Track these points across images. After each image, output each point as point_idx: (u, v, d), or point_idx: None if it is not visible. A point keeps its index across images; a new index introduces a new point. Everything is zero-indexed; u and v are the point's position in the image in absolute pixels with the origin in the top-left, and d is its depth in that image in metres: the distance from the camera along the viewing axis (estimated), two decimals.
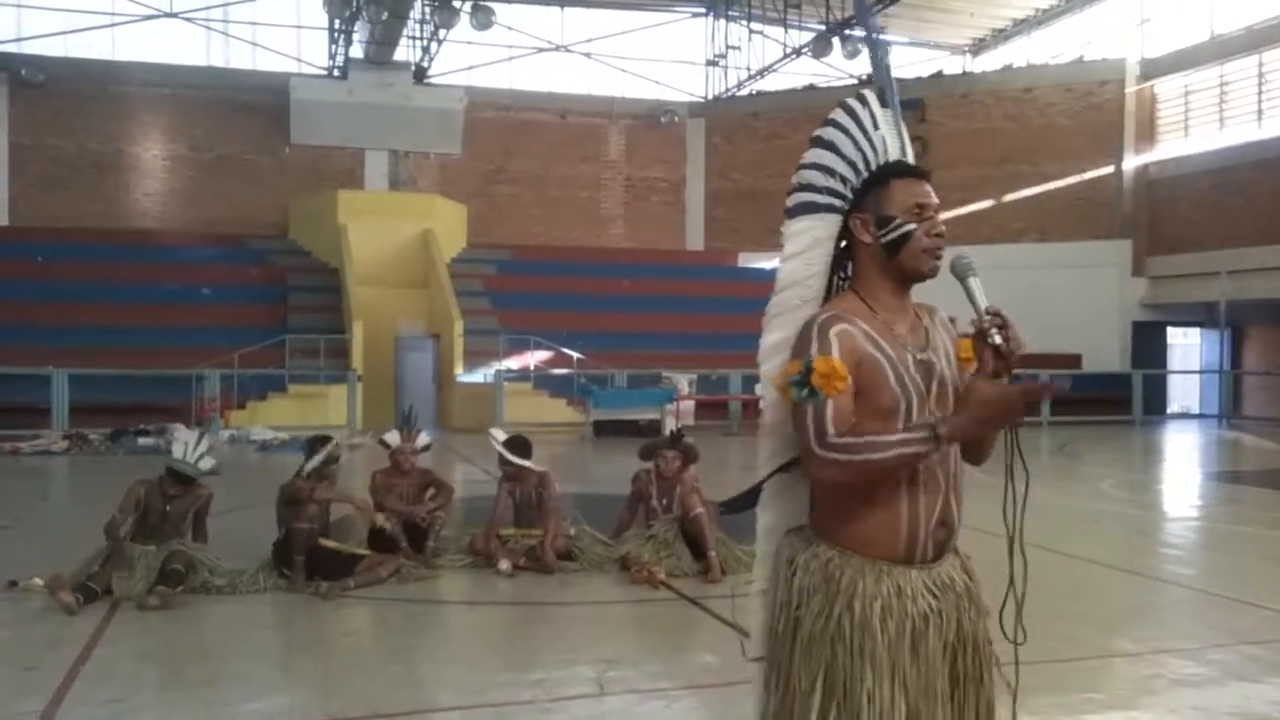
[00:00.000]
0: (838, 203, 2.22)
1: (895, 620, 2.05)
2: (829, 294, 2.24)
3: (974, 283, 2.11)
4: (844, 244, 2.23)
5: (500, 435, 7.20)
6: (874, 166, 2.20)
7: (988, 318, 2.04)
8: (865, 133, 2.23)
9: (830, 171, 2.23)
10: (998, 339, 2.02)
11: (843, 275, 2.24)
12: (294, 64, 25.81)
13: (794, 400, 2.01)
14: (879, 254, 2.15)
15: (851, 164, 2.22)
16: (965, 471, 2.20)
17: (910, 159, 2.24)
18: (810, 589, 2.10)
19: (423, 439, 7.27)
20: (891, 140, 2.23)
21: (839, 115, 2.27)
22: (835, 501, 2.11)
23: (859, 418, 2.05)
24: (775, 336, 2.22)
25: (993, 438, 2.17)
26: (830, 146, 2.25)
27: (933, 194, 2.16)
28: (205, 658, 5.00)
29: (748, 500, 2.36)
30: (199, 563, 6.03)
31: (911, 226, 2.11)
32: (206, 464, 6.27)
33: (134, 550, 5.91)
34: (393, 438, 7.15)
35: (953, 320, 2.26)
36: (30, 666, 4.70)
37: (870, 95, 2.28)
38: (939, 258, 2.14)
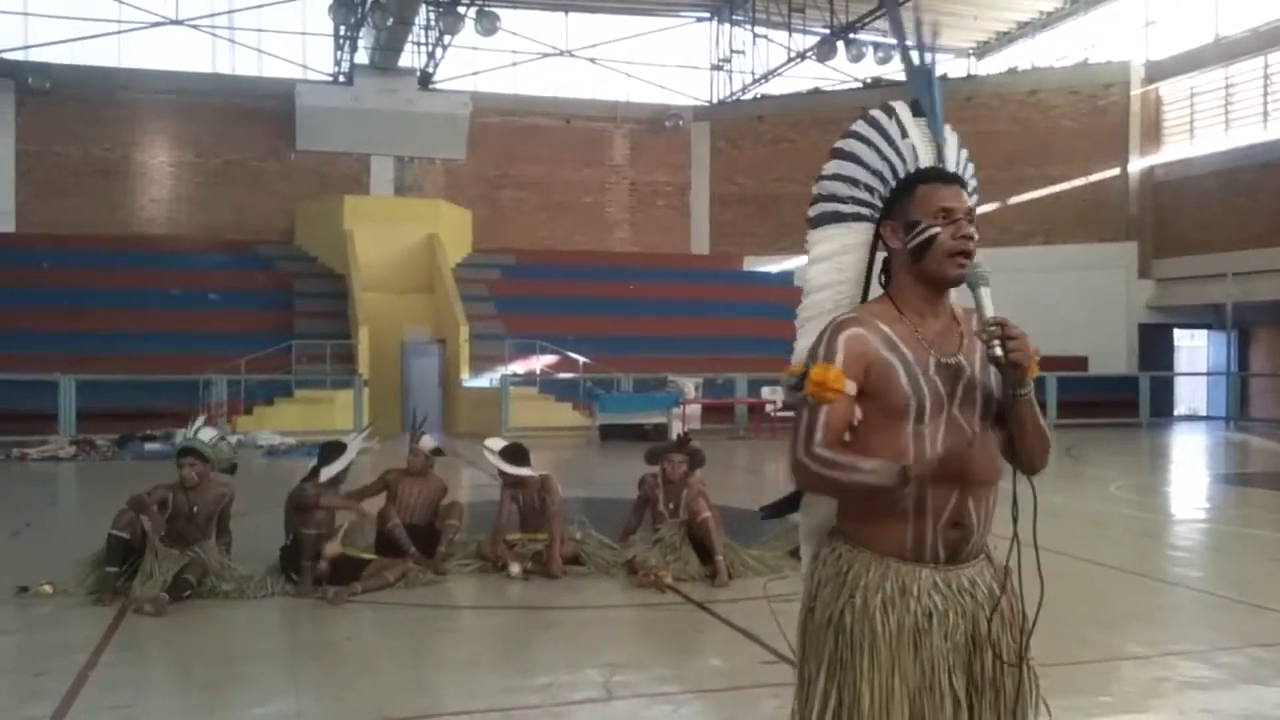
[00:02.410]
0: (865, 211, 2.23)
1: (896, 615, 2.07)
2: (865, 300, 2.26)
3: (984, 292, 2.10)
4: (885, 253, 2.24)
5: (495, 445, 7.17)
6: (902, 175, 2.20)
7: (990, 329, 2.04)
8: (891, 142, 2.22)
9: (854, 181, 2.24)
10: (997, 350, 2.02)
11: (884, 281, 2.25)
12: (300, 70, 25.90)
13: (790, 399, 2.07)
14: (907, 259, 2.16)
15: (877, 173, 2.22)
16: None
17: (955, 164, 2.23)
18: (824, 580, 2.16)
19: (427, 442, 7.24)
20: (924, 148, 2.22)
21: (860, 126, 2.27)
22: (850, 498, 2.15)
23: (872, 415, 2.10)
24: (809, 341, 2.24)
25: (1036, 445, 2.15)
26: (851, 157, 2.25)
27: (963, 198, 2.15)
28: (213, 663, 5.01)
29: (788, 505, 2.37)
30: (213, 571, 6.05)
31: (936, 230, 2.11)
32: (207, 434, 6.36)
33: (162, 552, 5.97)
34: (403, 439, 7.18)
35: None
36: (39, 672, 4.71)
37: (899, 105, 2.26)
38: (964, 265, 2.12)
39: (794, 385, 2.08)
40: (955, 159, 2.25)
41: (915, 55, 2.32)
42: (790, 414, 2.33)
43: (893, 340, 2.10)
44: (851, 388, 2.07)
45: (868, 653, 2.07)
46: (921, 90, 2.27)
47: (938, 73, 2.36)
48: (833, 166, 2.28)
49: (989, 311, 2.07)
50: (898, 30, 2.37)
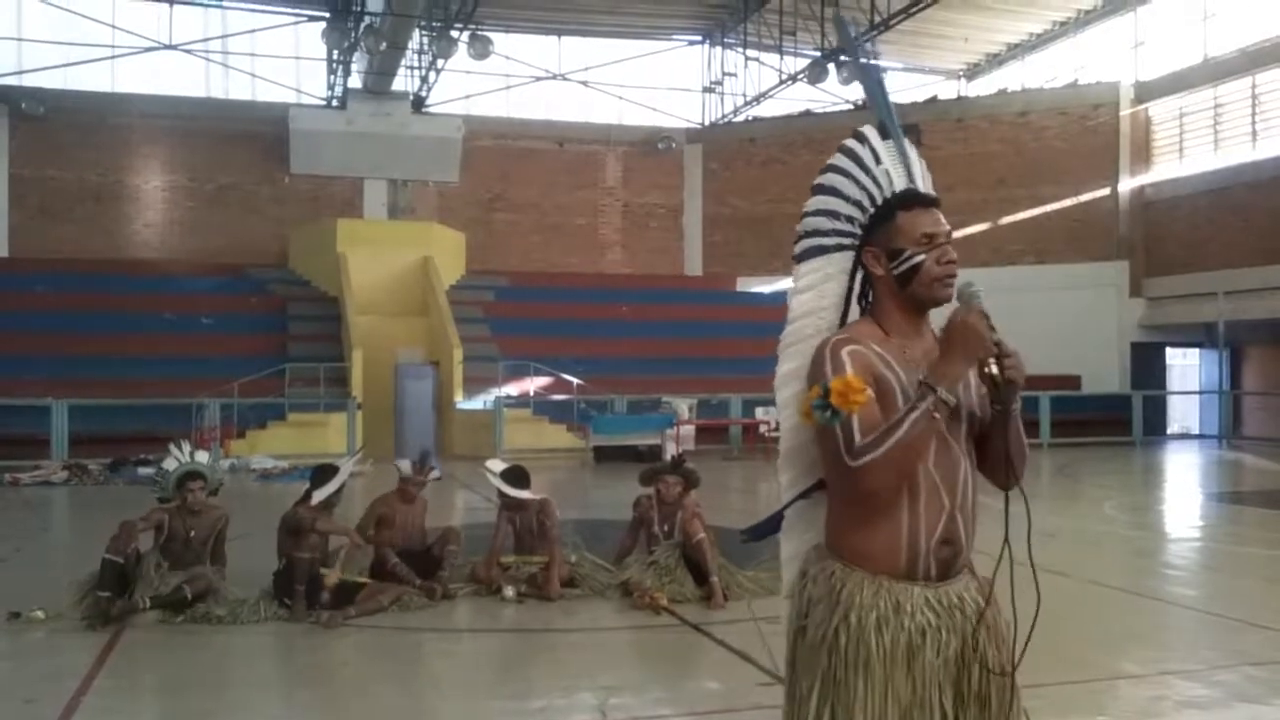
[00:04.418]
0: (847, 241, 2.27)
1: (890, 633, 2.09)
2: (845, 323, 2.28)
3: None
4: (862, 276, 2.27)
5: (496, 466, 7.17)
6: (880, 201, 2.24)
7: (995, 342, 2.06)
8: (867, 170, 2.26)
9: (834, 214, 2.28)
10: (994, 369, 2.06)
11: (864, 304, 2.28)
12: (293, 94, 25.96)
13: (821, 424, 2.03)
14: (892, 285, 2.19)
15: (856, 203, 2.26)
16: (978, 494, 2.21)
17: (923, 184, 2.26)
18: (815, 600, 2.16)
19: (434, 475, 7.34)
20: (897, 172, 2.25)
21: (838, 159, 2.31)
22: (842, 517, 2.16)
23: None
24: (789, 366, 2.27)
25: (1020, 456, 2.17)
26: (831, 191, 2.30)
27: (942, 221, 2.20)
28: (206, 688, 4.98)
29: (769, 527, 2.40)
30: (213, 591, 6.05)
31: (921, 257, 2.16)
32: (200, 455, 6.52)
33: (161, 570, 5.99)
34: (405, 467, 7.15)
35: None
36: (30, 699, 4.67)
37: (869, 132, 2.31)
38: (951, 285, 2.17)
39: (820, 405, 2.02)
40: (921, 176, 2.28)
41: (867, 71, 2.37)
42: (779, 433, 2.34)
43: (886, 359, 2.13)
44: (870, 393, 2.06)
45: (862, 671, 2.07)
46: (880, 109, 2.31)
47: (891, 90, 2.41)
48: (814, 203, 2.32)
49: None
50: (849, 47, 2.40)
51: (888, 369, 2.12)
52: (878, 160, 2.26)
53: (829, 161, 2.32)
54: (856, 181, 2.27)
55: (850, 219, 2.26)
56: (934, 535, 2.11)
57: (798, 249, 2.34)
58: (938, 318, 2.27)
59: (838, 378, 2.04)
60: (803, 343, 2.26)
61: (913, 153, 2.29)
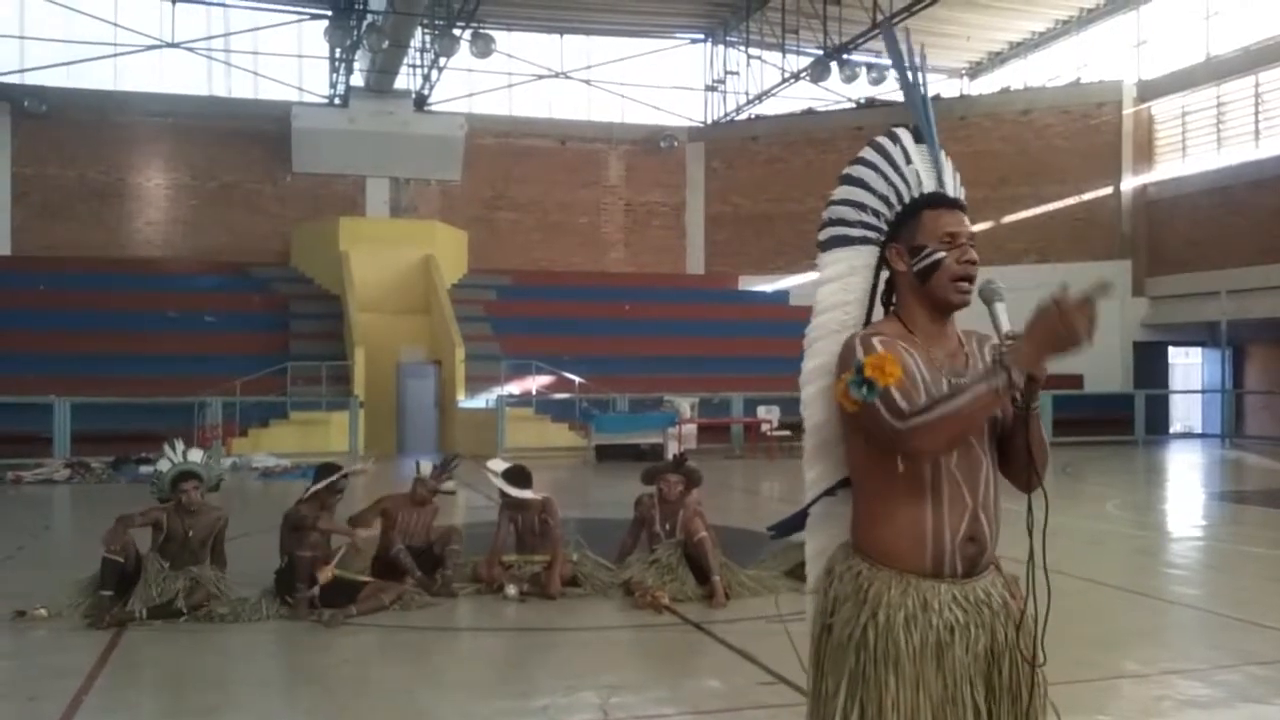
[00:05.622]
0: (872, 235, 2.28)
1: (919, 631, 2.10)
2: (869, 321, 2.28)
3: (999, 308, 2.12)
4: (887, 277, 2.27)
5: (498, 466, 7.16)
6: (907, 200, 2.24)
7: (1008, 342, 2.06)
8: (896, 168, 2.27)
9: (861, 206, 2.29)
10: None
11: (889, 306, 2.28)
12: (295, 93, 25.97)
13: (862, 401, 2.02)
14: (913, 282, 2.20)
15: (883, 198, 2.26)
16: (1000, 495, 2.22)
17: (953, 188, 2.26)
18: (842, 597, 2.17)
19: (449, 485, 7.33)
20: (926, 173, 2.26)
21: (868, 153, 2.31)
22: (868, 516, 2.18)
23: None
24: (816, 361, 2.28)
25: (1041, 456, 2.18)
26: (858, 182, 2.30)
27: (966, 222, 2.21)
28: (208, 686, 4.98)
29: (794, 524, 2.41)
30: (213, 596, 6.05)
31: (941, 254, 2.16)
32: (194, 454, 6.48)
33: (157, 569, 5.98)
34: (425, 468, 7.16)
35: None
36: (33, 697, 4.68)
37: (902, 132, 2.31)
38: (967, 290, 2.17)
39: (857, 382, 2.03)
40: (952, 183, 2.28)
41: (909, 77, 2.35)
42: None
43: (912, 354, 2.14)
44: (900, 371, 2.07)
45: (892, 669, 2.09)
46: (919, 114, 2.31)
47: (930, 94, 2.40)
48: (841, 192, 2.32)
49: (1005, 326, 2.10)
50: (894, 54, 2.38)
51: (914, 364, 2.12)
52: (908, 160, 2.27)
53: (859, 154, 2.32)
54: (885, 177, 2.27)
55: (876, 213, 2.27)
56: (958, 533, 2.13)
57: (821, 236, 2.34)
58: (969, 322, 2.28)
59: (871, 355, 2.05)
60: (828, 338, 2.26)
61: (946, 160, 2.29)
